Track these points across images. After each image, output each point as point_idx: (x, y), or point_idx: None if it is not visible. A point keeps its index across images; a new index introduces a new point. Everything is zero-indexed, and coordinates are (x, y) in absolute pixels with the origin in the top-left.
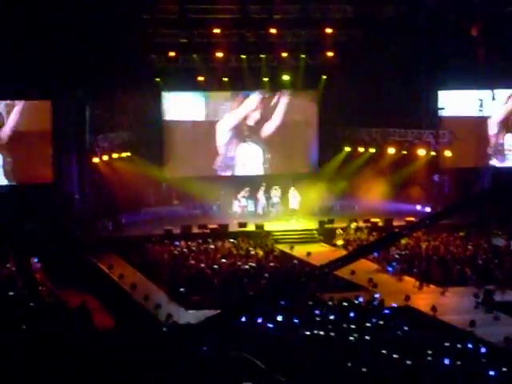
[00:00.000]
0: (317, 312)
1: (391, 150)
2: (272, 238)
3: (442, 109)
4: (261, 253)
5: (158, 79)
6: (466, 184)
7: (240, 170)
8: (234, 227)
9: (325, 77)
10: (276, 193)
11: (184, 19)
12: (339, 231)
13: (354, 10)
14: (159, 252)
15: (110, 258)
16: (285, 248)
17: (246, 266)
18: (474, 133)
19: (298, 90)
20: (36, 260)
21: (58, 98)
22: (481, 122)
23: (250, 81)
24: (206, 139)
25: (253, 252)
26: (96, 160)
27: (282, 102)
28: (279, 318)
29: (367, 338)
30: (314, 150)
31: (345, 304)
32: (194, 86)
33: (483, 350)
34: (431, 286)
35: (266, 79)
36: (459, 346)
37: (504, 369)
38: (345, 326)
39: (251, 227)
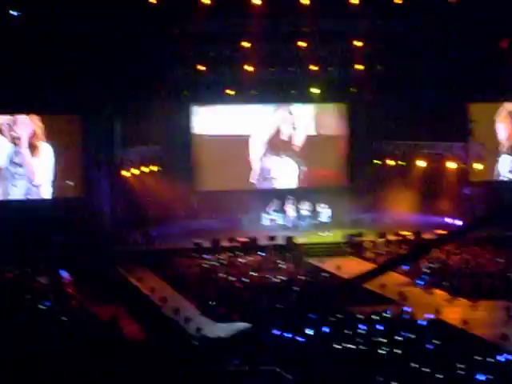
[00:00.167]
0: (347, 325)
1: (421, 163)
2: (302, 251)
3: (473, 121)
4: (291, 266)
5: (186, 93)
6: (497, 197)
7: (271, 184)
8: (263, 240)
9: (354, 90)
10: (306, 206)
11: (213, 32)
12: (369, 244)
13: (383, 22)
14: (189, 265)
15: (139, 271)
16: (314, 261)
17: (276, 280)
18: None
19: (327, 103)
20: (67, 274)
21: (88, 113)
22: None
23: (279, 94)
24: (236, 152)
25: (283, 265)
26: (126, 174)
27: (312, 115)
28: (309, 332)
29: (397, 351)
30: (344, 163)
31: (375, 317)
32: (223, 100)
33: None
34: (462, 299)
35: (295, 92)
36: (491, 360)
37: None
38: (375, 339)
39: (281, 240)
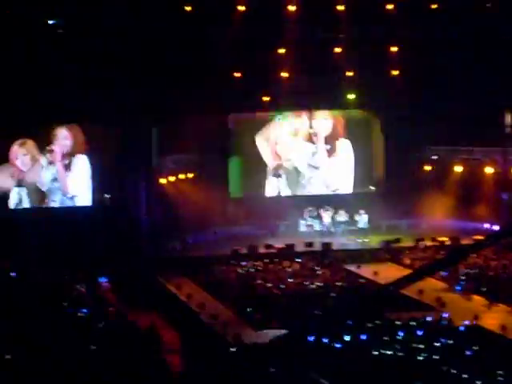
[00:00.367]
0: (384, 331)
1: (458, 168)
2: (339, 257)
3: (511, 126)
4: (328, 272)
5: (222, 100)
6: None
7: (308, 190)
8: (300, 247)
9: (390, 95)
10: (342, 212)
11: (248, 39)
12: (406, 250)
13: (418, 28)
14: (226, 272)
15: (177, 278)
16: (351, 267)
17: (313, 286)
18: None
19: (363, 108)
20: (105, 281)
21: (126, 122)
22: None
23: (314, 100)
24: (272, 158)
25: (320, 272)
26: (163, 181)
27: (348, 121)
28: (346, 338)
29: (436, 357)
30: (381, 169)
31: (413, 323)
32: (259, 107)
33: None
34: (500, 305)
35: (330, 98)
36: None
37: None
38: (413, 345)
39: (318, 246)
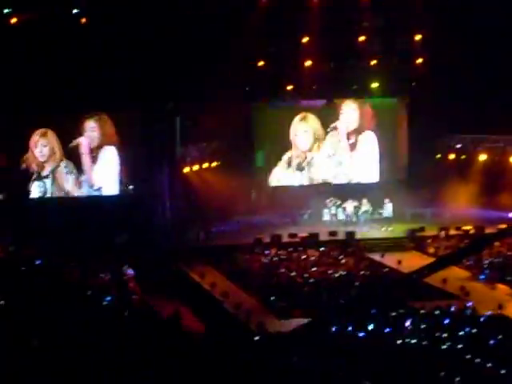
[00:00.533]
0: (409, 320)
1: (482, 157)
2: (363, 246)
3: None
4: (351, 261)
5: (246, 89)
6: None
7: (331, 179)
8: (324, 236)
9: (414, 83)
10: (366, 201)
11: (273, 28)
12: (430, 239)
13: (445, 14)
14: (250, 261)
15: (201, 267)
16: (375, 256)
17: (337, 275)
18: None
19: (387, 97)
20: (129, 269)
21: (149, 109)
22: None
23: (339, 89)
24: (296, 148)
25: (343, 260)
26: (186, 170)
27: (372, 109)
28: (370, 327)
29: (460, 346)
30: (405, 157)
31: (437, 312)
32: (283, 95)
33: None
34: None
35: (355, 87)
36: None
37: None
38: (437, 334)
39: (342, 235)
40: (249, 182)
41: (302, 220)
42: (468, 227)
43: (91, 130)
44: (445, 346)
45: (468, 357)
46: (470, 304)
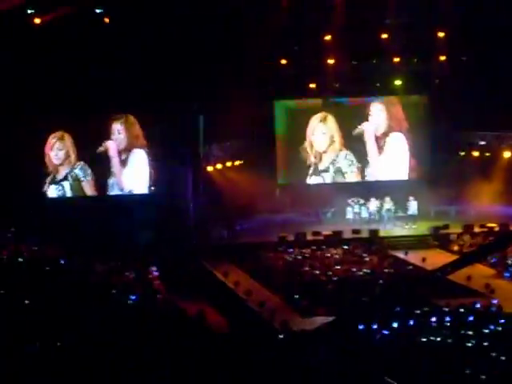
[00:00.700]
0: (433, 318)
1: (507, 154)
2: (386, 244)
3: None
4: (375, 259)
5: (269, 87)
6: None
7: (354, 177)
8: (348, 234)
9: (437, 80)
10: (389, 199)
11: (295, 26)
12: (454, 236)
13: (468, 14)
14: (273, 259)
15: (224, 265)
16: (399, 254)
17: (361, 273)
18: None
19: (410, 94)
20: (154, 268)
21: (173, 109)
22: None
23: (361, 87)
24: (319, 146)
25: (367, 258)
26: (210, 169)
27: (394, 105)
28: (395, 325)
29: (485, 344)
30: (428, 155)
31: (462, 310)
32: (306, 93)
33: None
34: None
35: (377, 84)
36: None
37: None
38: (462, 332)
39: (365, 233)
40: (272, 180)
41: (325, 218)
42: (492, 224)
43: (118, 133)
44: (470, 344)
45: (493, 354)
46: (495, 301)
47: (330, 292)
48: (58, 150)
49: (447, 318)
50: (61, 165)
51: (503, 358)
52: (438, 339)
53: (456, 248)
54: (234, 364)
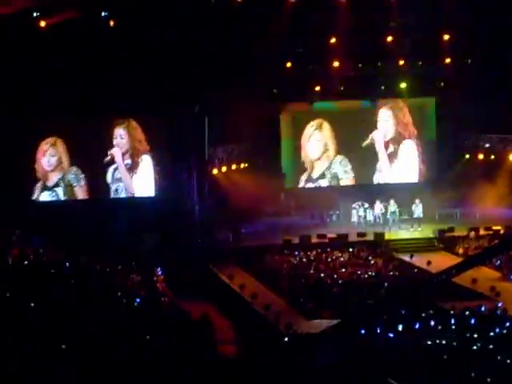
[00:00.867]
0: (438, 321)
1: (511, 157)
2: (391, 246)
3: None
4: (380, 262)
5: (274, 90)
6: None
7: (349, 182)
8: (353, 237)
9: (442, 83)
10: (394, 202)
11: (300, 29)
12: (460, 239)
13: (474, 16)
14: (279, 262)
15: (230, 268)
16: (404, 257)
17: (366, 276)
18: None
19: (415, 97)
20: (159, 271)
21: (177, 112)
22: None
23: (366, 89)
24: (313, 154)
25: (372, 261)
26: (215, 171)
27: (401, 110)
28: (400, 328)
29: (490, 347)
30: (433, 158)
31: (467, 313)
32: (311, 96)
33: None
34: None
35: (382, 87)
36: None
37: None
38: (467, 335)
39: (370, 236)
40: (277, 183)
41: (330, 221)
42: (498, 227)
43: (121, 137)
44: (475, 347)
45: (498, 358)
46: (500, 304)
47: (335, 295)
48: (50, 156)
49: (452, 321)
50: (52, 171)
51: (508, 361)
52: (443, 342)
53: (461, 251)
54: (239, 365)
